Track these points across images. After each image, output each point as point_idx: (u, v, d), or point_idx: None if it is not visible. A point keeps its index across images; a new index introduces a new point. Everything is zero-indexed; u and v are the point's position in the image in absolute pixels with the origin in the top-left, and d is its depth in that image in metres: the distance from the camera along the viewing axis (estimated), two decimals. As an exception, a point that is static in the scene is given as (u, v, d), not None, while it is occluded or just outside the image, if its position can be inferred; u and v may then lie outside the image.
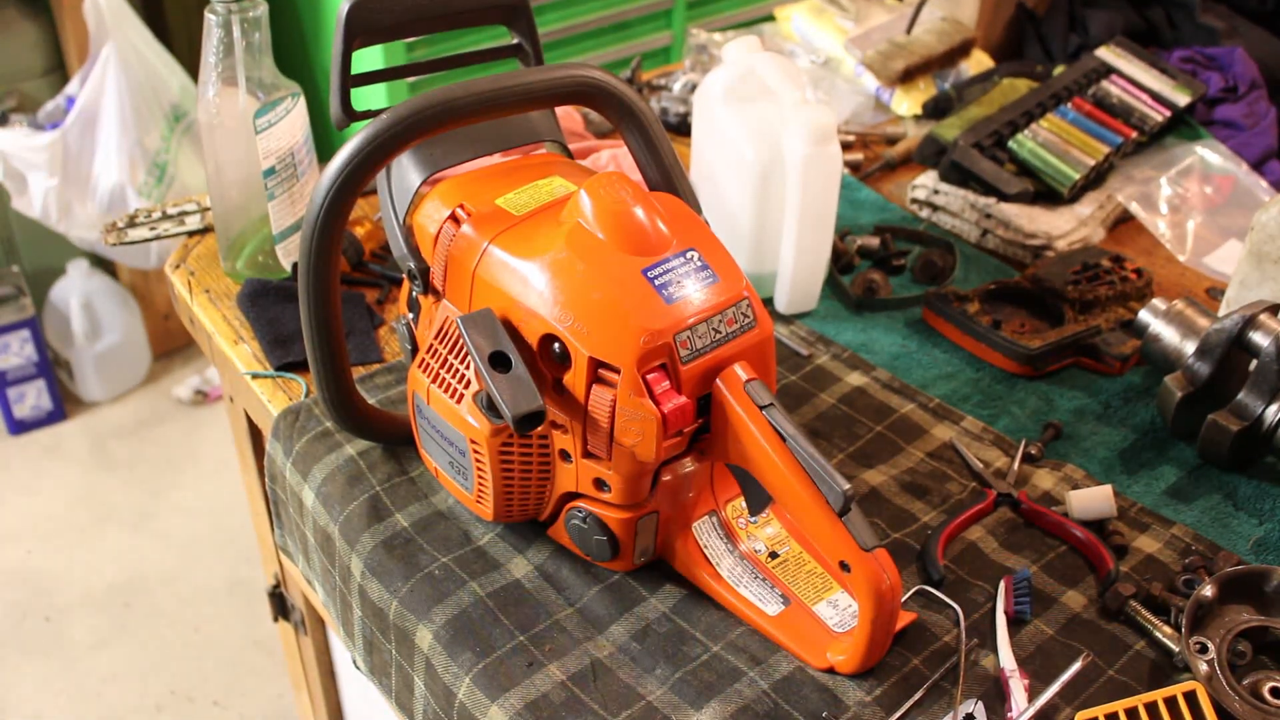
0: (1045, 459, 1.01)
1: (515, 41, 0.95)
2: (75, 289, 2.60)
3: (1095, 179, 1.33)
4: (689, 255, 0.79)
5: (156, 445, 2.60)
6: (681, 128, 1.46)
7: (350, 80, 0.88)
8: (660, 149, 0.89)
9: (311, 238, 0.82)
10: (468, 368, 0.83)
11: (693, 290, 0.78)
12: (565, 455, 0.82)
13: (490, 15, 0.93)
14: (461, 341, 0.84)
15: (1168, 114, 1.42)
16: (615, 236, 0.78)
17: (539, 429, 0.81)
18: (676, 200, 0.86)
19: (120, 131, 2.33)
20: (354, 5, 0.80)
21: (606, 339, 0.76)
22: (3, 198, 2.45)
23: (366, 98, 0.89)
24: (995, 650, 0.83)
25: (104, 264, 2.69)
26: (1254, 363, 0.98)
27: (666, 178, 0.89)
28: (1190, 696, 0.76)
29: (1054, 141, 1.32)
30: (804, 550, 0.88)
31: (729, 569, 0.86)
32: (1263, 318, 0.97)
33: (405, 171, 0.88)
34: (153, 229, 1.29)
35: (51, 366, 2.60)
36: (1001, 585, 0.87)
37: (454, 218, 0.84)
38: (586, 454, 0.80)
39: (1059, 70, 1.46)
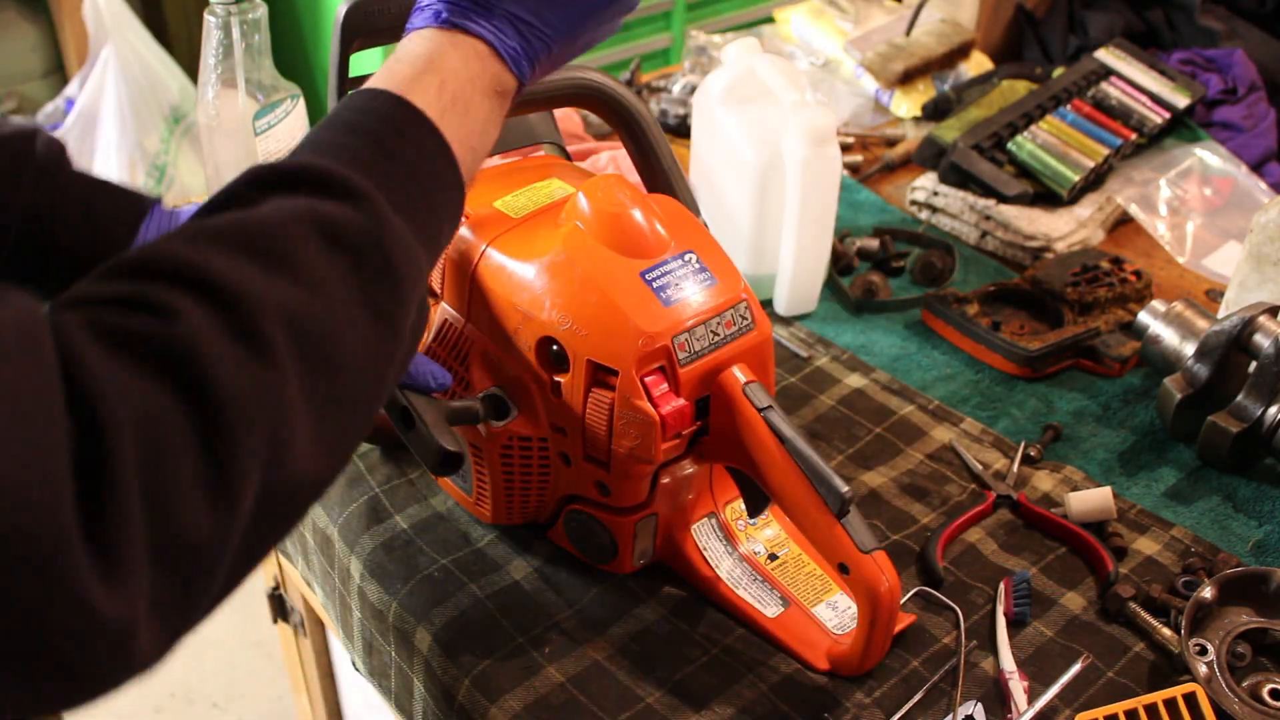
0: (1045, 461, 1.01)
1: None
2: (75, 291, 2.60)
3: (1094, 181, 1.33)
4: (687, 258, 0.79)
5: (156, 447, 2.61)
6: (681, 129, 1.46)
7: (349, 83, 0.88)
8: (658, 151, 0.89)
9: (310, 240, 0.82)
10: (467, 370, 0.83)
11: (691, 292, 0.78)
12: (565, 458, 0.82)
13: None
14: (461, 344, 0.84)
15: (1167, 116, 1.42)
16: (613, 239, 0.78)
17: (541, 435, 0.81)
18: (674, 202, 0.85)
19: (120, 133, 2.32)
20: (352, 8, 0.80)
21: (604, 342, 0.76)
22: (2, 200, 2.45)
23: (366, 100, 0.89)
24: (995, 652, 0.83)
25: (103, 266, 2.69)
26: (1253, 364, 0.98)
27: (665, 180, 0.89)
28: (1190, 698, 0.76)
29: (1053, 143, 1.32)
30: (803, 552, 0.88)
31: (728, 571, 0.86)
32: (1262, 319, 0.97)
33: (404, 173, 0.88)
34: (152, 231, 1.29)
35: (51, 368, 2.60)
36: (1001, 587, 0.87)
37: (453, 220, 0.84)
38: (586, 457, 0.80)
39: (1058, 72, 1.46)
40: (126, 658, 0.44)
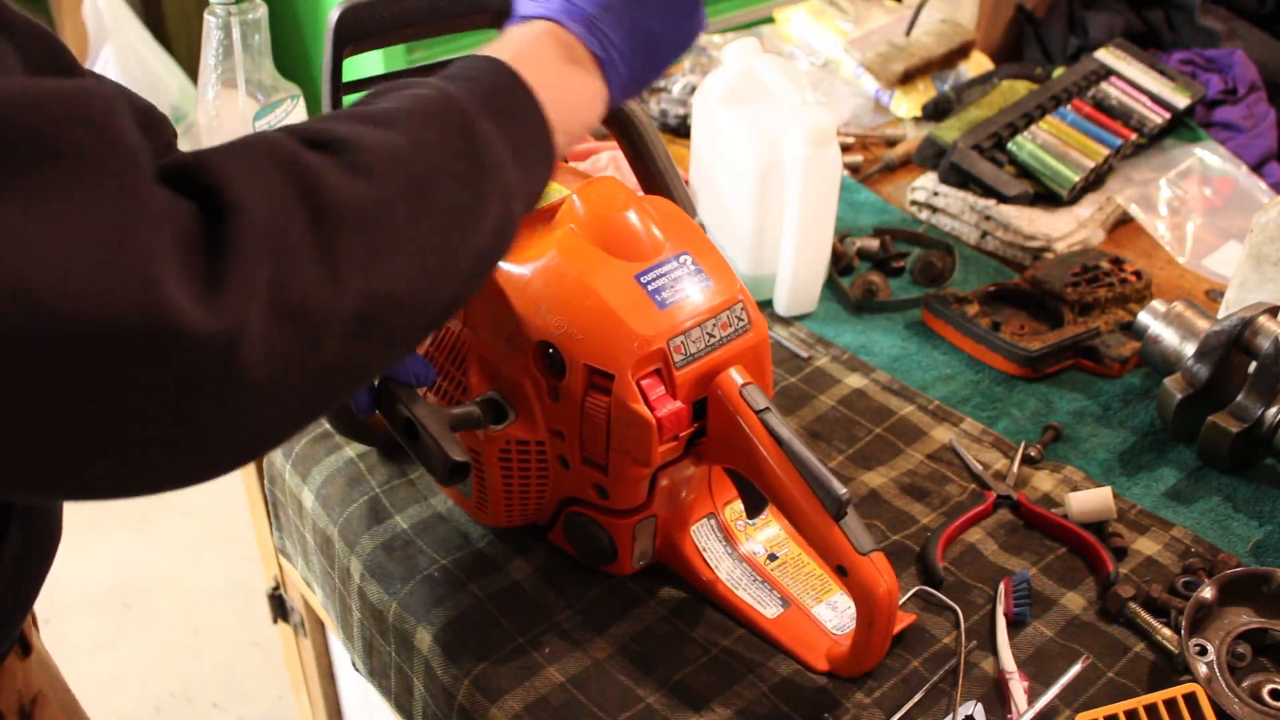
0: (1045, 461, 1.01)
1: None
2: (75, 291, 2.60)
3: (1095, 181, 1.33)
4: (682, 259, 0.79)
5: (157, 447, 2.60)
6: (681, 130, 1.46)
7: (342, 88, 0.87)
8: (654, 152, 0.88)
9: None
10: (465, 375, 0.83)
11: (686, 295, 0.78)
12: (563, 461, 0.82)
13: (480, 20, 0.93)
14: (458, 348, 0.84)
15: (1167, 116, 1.42)
16: (608, 242, 0.78)
17: (538, 439, 0.81)
18: (669, 204, 0.85)
19: (120, 133, 2.32)
20: (344, 12, 0.79)
21: (600, 346, 0.76)
22: (3, 200, 2.45)
23: (365, 101, 0.89)
24: (995, 652, 0.83)
25: (104, 266, 2.69)
26: (1253, 365, 0.98)
27: (660, 181, 0.89)
28: (1190, 698, 0.76)
29: (1053, 143, 1.32)
30: (803, 552, 0.88)
31: (727, 572, 0.86)
32: (1262, 320, 0.97)
33: (403, 174, 0.88)
34: (152, 232, 1.29)
35: (52, 368, 2.60)
36: (1001, 587, 0.87)
37: (452, 221, 0.84)
38: (584, 460, 0.80)
39: (1058, 72, 1.46)
40: (236, 378, 0.48)
